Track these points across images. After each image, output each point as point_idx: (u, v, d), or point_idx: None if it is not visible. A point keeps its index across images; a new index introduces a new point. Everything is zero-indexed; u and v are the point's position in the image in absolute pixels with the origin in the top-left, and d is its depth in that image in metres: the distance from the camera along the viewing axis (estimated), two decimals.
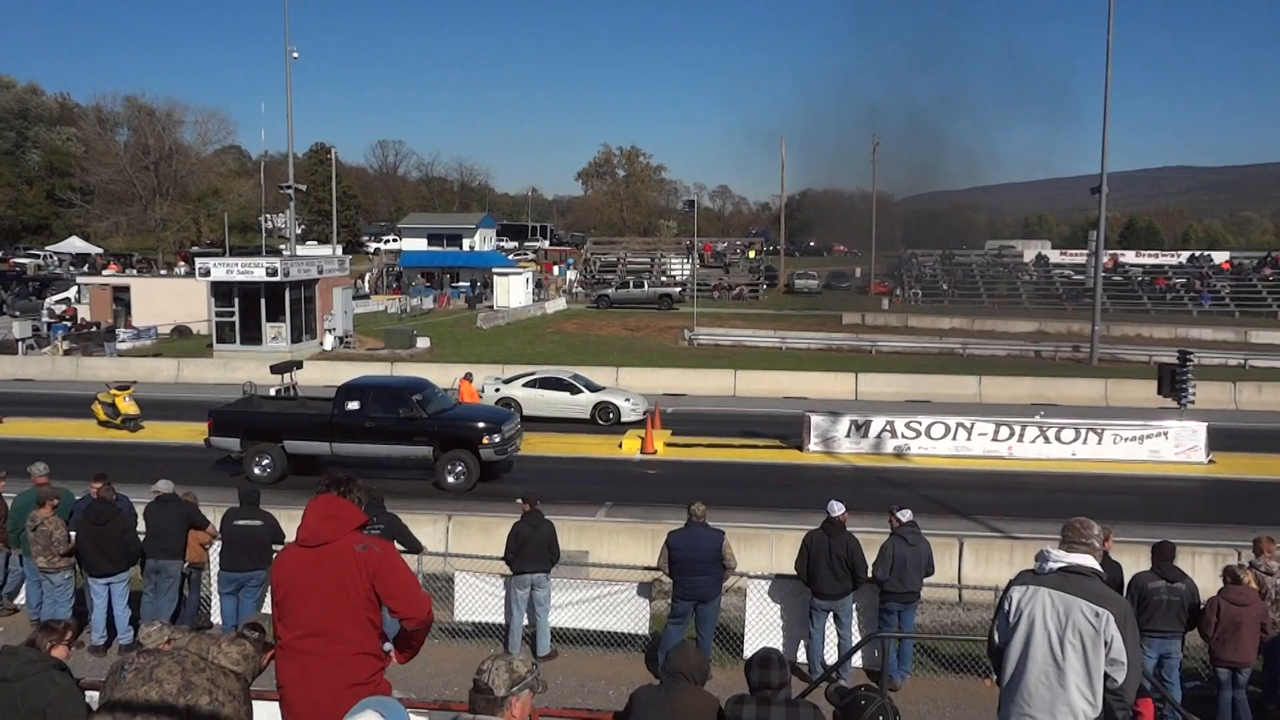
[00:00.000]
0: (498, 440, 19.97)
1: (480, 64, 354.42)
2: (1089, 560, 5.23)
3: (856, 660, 10.67)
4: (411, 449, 20.14)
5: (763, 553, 14.40)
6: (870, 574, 10.78)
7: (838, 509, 10.86)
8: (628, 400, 26.95)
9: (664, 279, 75.73)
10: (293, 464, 20.35)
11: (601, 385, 28.33)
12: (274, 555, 11.57)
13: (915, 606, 11.11)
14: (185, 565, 11.76)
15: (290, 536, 11.71)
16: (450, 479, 19.90)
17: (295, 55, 45.02)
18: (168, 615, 11.23)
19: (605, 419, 26.61)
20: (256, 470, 20.15)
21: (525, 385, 27.15)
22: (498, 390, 26.99)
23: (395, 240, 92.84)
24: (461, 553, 13.06)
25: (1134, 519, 17.50)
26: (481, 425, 20.20)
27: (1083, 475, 22.02)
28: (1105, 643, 5.06)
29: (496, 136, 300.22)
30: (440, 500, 18.61)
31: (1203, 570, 12.37)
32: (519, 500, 12.07)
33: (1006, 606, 5.32)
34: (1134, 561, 11.36)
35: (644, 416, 26.15)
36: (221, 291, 39.33)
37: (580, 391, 27.07)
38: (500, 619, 11.70)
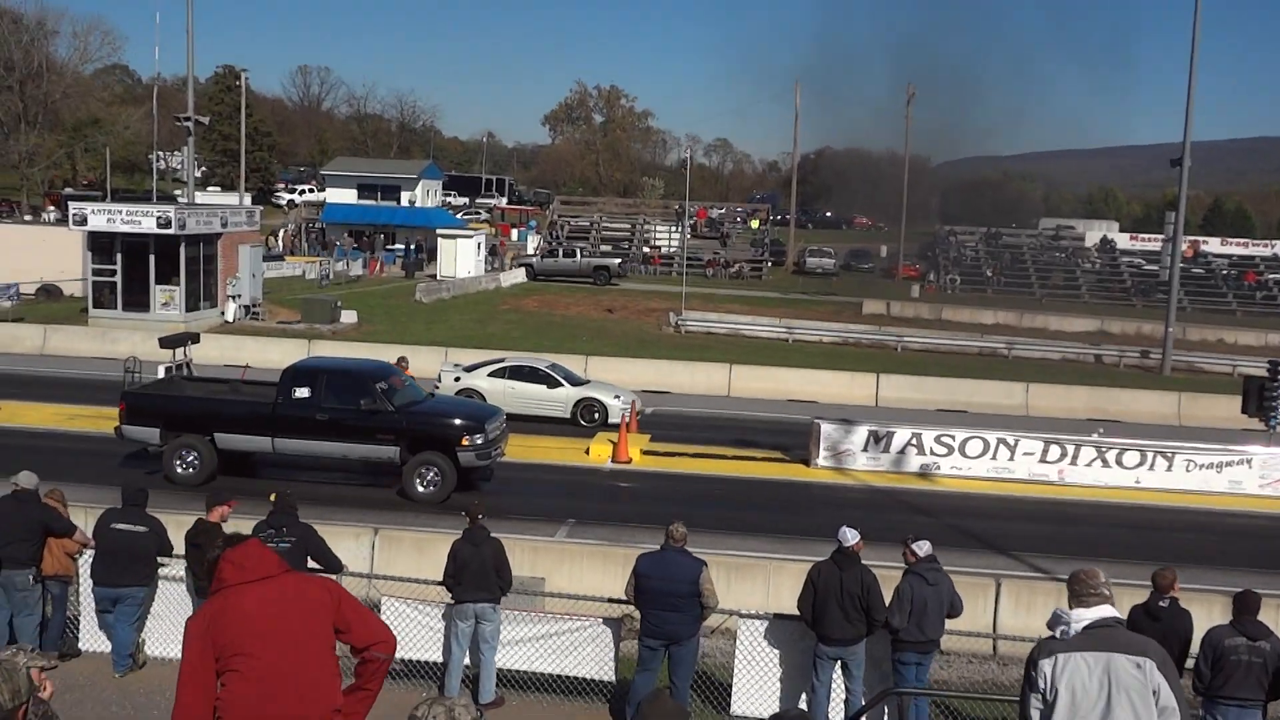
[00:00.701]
0: (480, 442, 19.88)
1: None
2: (1109, 610, 5.88)
3: None
4: (373, 448, 20.01)
5: (758, 587, 14.49)
6: (885, 620, 10.84)
7: (851, 537, 10.92)
8: (617, 397, 26.94)
9: (646, 250, 75.95)
10: (223, 462, 20.23)
11: (585, 378, 28.44)
12: (158, 570, 11.70)
13: (932, 656, 11.23)
14: (34, 575, 11.61)
15: (179, 549, 11.66)
16: (420, 487, 19.78)
17: None
18: (31, 636, 11.19)
19: (589, 419, 26.67)
20: (180, 468, 19.98)
21: (491, 375, 27.20)
22: (457, 379, 27.02)
23: (316, 190, 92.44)
24: (390, 575, 13.07)
25: (1208, 563, 17.76)
26: (460, 423, 20.12)
27: (1148, 508, 22.27)
28: (1153, 692, 5.65)
29: (446, 67, 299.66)
30: (363, 510, 18.59)
31: None
32: (464, 513, 12.08)
33: (1041, 684, 5.79)
34: (1206, 613, 11.53)
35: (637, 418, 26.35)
36: (101, 245, 38.99)
37: (559, 385, 27.15)
38: (436, 656, 11.73)
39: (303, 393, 19.98)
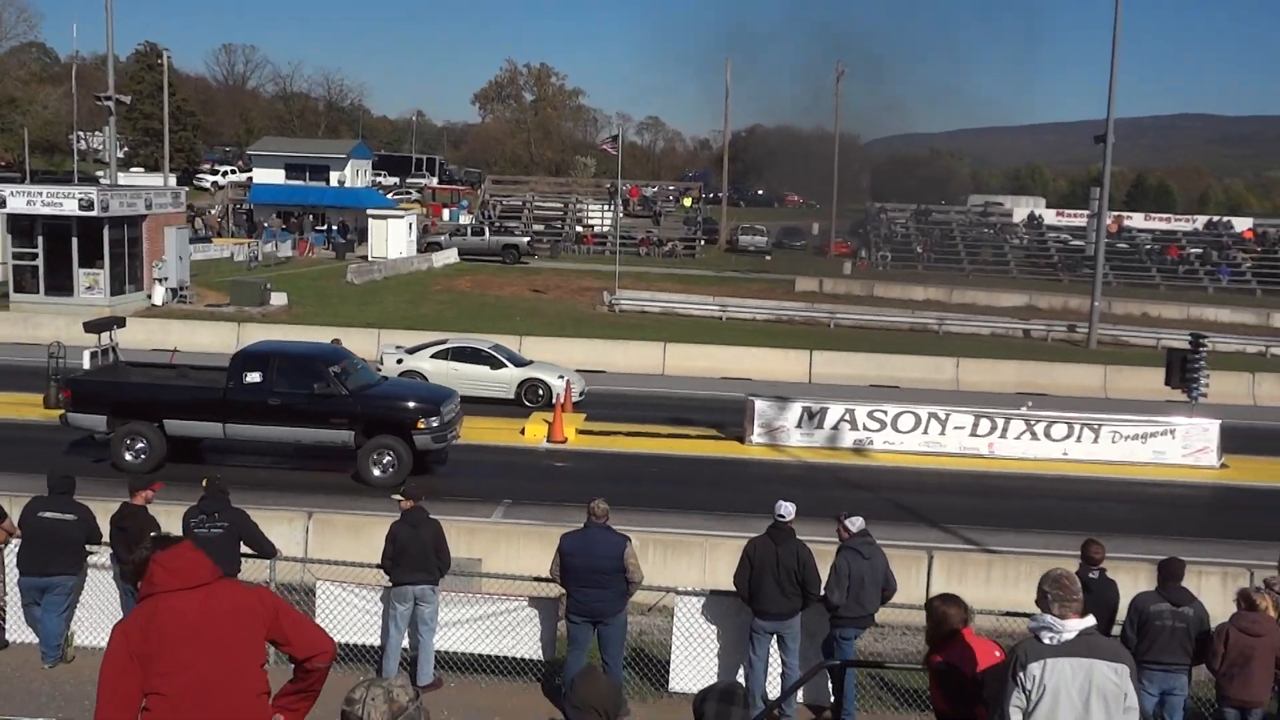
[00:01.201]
0: (435, 424, 19.78)
1: None
2: (1091, 619, 6.32)
3: (798, 694, 10.87)
4: (327, 433, 19.81)
5: (695, 564, 14.57)
6: (822, 595, 10.94)
7: (788, 511, 10.99)
8: (561, 378, 26.87)
9: (579, 229, 75.81)
10: (172, 448, 19.90)
11: (528, 359, 28.45)
12: (87, 559, 11.50)
13: (865, 630, 11.38)
14: None
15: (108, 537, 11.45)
16: (376, 471, 19.64)
17: None
18: None
19: (533, 399, 26.69)
20: (128, 455, 19.60)
21: (434, 356, 27.12)
22: (400, 361, 26.87)
23: (239, 170, 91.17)
24: (325, 559, 12.97)
25: (1133, 531, 18.14)
26: (415, 406, 20.02)
27: (1075, 479, 22.67)
28: (1124, 694, 6.15)
29: (373, 45, 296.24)
30: (296, 494, 18.41)
31: (1210, 591, 12.85)
32: (395, 496, 12.02)
33: (1028, 685, 6.13)
34: (1131, 580, 11.79)
35: (580, 397, 26.45)
36: (21, 228, 38.20)
37: (503, 365, 27.15)
38: (373, 640, 11.67)
39: (254, 377, 19.73)
